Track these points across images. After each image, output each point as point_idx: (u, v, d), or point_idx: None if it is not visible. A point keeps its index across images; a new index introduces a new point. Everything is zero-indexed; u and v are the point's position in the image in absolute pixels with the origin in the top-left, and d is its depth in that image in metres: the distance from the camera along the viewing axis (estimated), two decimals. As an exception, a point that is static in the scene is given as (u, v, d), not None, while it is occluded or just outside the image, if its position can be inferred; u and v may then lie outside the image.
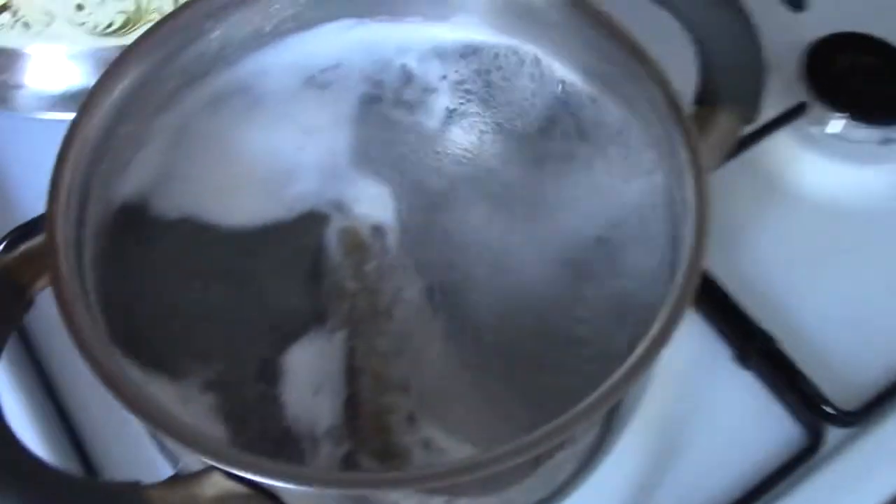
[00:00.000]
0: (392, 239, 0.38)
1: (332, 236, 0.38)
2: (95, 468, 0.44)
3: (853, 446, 0.46)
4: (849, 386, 0.48)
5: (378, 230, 0.38)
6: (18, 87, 0.50)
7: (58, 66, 0.50)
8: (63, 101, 0.51)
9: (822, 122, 0.55)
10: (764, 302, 0.50)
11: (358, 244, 0.38)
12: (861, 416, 0.47)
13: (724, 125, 0.37)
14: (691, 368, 0.49)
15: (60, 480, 0.29)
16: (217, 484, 0.30)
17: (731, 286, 0.50)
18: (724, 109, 0.37)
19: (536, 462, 0.31)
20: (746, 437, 0.47)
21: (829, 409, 0.47)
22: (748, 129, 0.52)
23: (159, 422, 0.29)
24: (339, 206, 0.39)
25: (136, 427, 0.43)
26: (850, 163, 0.55)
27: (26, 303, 0.33)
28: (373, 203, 0.39)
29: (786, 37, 0.58)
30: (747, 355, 0.48)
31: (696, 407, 0.48)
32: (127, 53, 0.36)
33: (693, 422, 0.47)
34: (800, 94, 0.56)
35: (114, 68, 0.36)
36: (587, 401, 0.29)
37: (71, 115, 0.50)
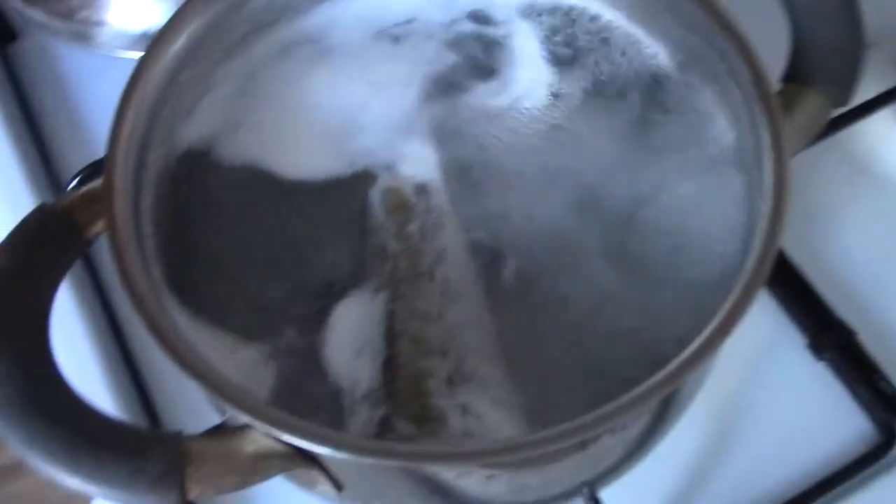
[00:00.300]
0: (437, 199, 0.37)
1: (376, 195, 0.38)
2: (157, 413, 0.45)
3: (927, 449, 0.44)
4: (927, 386, 0.45)
5: (423, 190, 0.37)
6: (100, 24, 0.51)
7: (139, 4, 0.50)
8: (143, 41, 0.51)
9: (925, 105, 0.52)
10: (845, 292, 0.48)
11: (401, 204, 0.37)
12: (938, 418, 0.44)
13: (812, 106, 0.34)
14: (761, 354, 0.47)
15: (103, 424, 0.29)
16: (257, 441, 0.30)
17: (811, 272, 0.48)
18: (813, 89, 0.34)
19: (582, 445, 0.30)
20: (813, 431, 0.45)
21: (904, 409, 0.44)
22: (843, 108, 0.49)
23: (200, 374, 0.29)
24: (389, 165, 0.38)
25: None
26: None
27: (84, 244, 0.33)
28: (421, 163, 0.38)
29: (888, 13, 0.54)
30: (822, 345, 0.46)
31: (763, 394, 0.46)
32: (190, 2, 0.35)
33: (758, 409, 0.46)
34: (904, 74, 0.53)
35: (181, 13, 0.35)
36: (639, 389, 0.28)
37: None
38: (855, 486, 0.44)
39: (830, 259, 0.49)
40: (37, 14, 0.51)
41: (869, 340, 0.46)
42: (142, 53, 0.50)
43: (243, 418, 0.28)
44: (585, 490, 0.37)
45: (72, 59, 0.57)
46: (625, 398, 0.27)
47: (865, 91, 0.51)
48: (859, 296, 0.48)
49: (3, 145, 0.53)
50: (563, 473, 0.33)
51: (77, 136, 0.55)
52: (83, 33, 0.51)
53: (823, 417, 0.46)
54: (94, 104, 0.56)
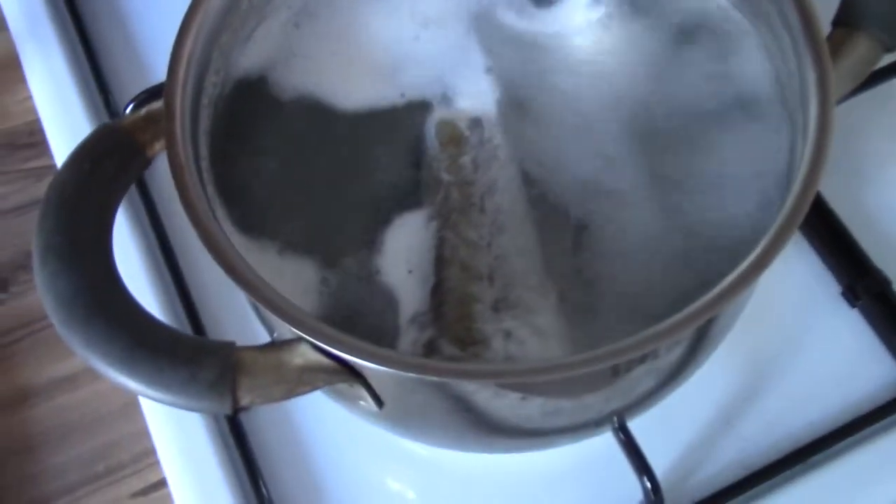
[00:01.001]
0: (490, 133, 0.37)
1: (430, 128, 0.39)
2: (205, 332, 0.47)
3: (955, 399, 0.45)
4: (960, 337, 0.46)
5: (476, 123, 0.38)
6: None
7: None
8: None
9: (978, 57, 0.51)
10: (882, 242, 0.48)
11: (455, 137, 0.38)
12: (968, 368, 0.45)
13: (862, 50, 0.35)
14: (796, 299, 0.48)
15: (161, 332, 0.31)
16: (305, 354, 0.31)
17: (849, 221, 0.48)
18: (863, 33, 0.35)
19: (615, 371, 0.31)
20: (844, 376, 0.46)
21: (936, 357, 0.45)
22: (891, 58, 0.49)
23: (254, 289, 0.30)
24: (443, 98, 0.39)
25: (242, 297, 0.46)
26: None
27: (144, 162, 0.34)
28: (475, 97, 0.39)
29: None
30: (857, 293, 0.47)
31: (795, 338, 0.47)
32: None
33: (790, 353, 0.47)
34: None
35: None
36: (675, 318, 0.29)
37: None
38: (882, 430, 0.45)
39: (869, 209, 0.49)
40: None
41: (904, 290, 0.46)
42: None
43: (294, 331, 0.30)
44: (616, 419, 0.39)
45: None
46: (661, 326, 0.28)
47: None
48: (896, 246, 0.48)
49: (63, 73, 0.55)
50: (595, 400, 0.34)
51: (133, 63, 0.56)
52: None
53: (854, 363, 0.46)
54: (149, 32, 0.57)
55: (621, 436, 0.40)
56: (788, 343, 0.47)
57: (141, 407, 0.46)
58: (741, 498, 0.43)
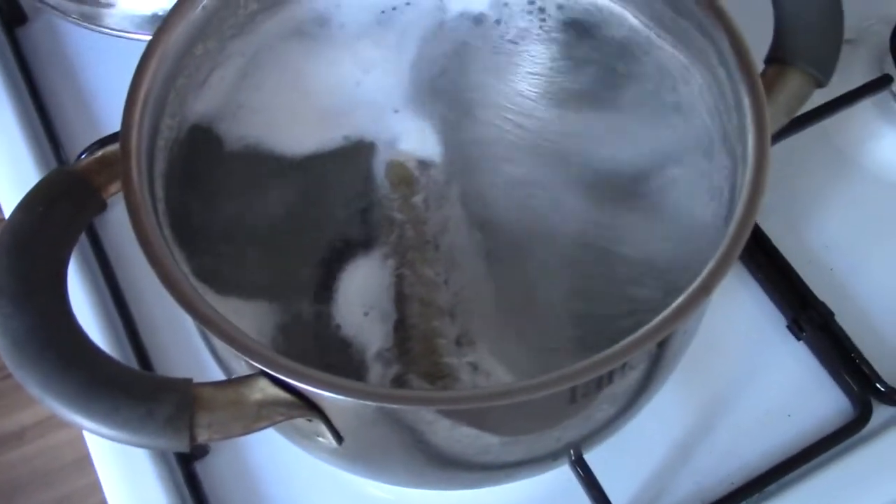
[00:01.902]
0: (438, 173, 0.38)
1: (380, 169, 0.39)
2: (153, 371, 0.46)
3: (901, 425, 0.46)
4: (901, 365, 0.47)
5: (425, 164, 0.39)
6: (110, 6, 0.52)
7: (147, -13, 0.52)
8: (151, 23, 0.53)
9: (906, 98, 0.54)
10: (824, 275, 0.50)
11: (406, 177, 0.39)
12: (912, 394, 0.46)
13: (794, 86, 0.36)
14: (743, 333, 0.49)
15: (117, 370, 0.31)
16: (264, 389, 0.31)
17: (792, 256, 0.50)
18: (795, 69, 0.36)
19: (572, 397, 0.31)
20: (793, 406, 0.47)
21: (879, 386, 0.46)
22: (829, 96, 0.51)
23: (213, 324, 0.30)
24: (389, 141, 0.39)
25: (192, 336, 0.45)
26: (930, 142, 0.54)
27: (99, 204, 0.34)
28: (420, 139, 0.40)
29: (874, 10, 0.57)
30: (802, 325, 0.48)
31: (745, 371, 0.48)
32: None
33: (740, 386, 0.48)
34: (886, 68, 0.55)
35: (196, -13, 0.37)
36: (628, 339, 0.30)
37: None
38: (832, 458, 0.46)
39: (811, 243, 0.51)
40: (47, -4, 0.53)
41: (846, 321, 0.48)
42: (149, 36, 0.52)
43: (252, 364, 0.30)
44: (572, 452, 0.39)
45: (79, 42, 0.59)
46: (612, 349, 0.29)
47: (847, 83, 0.53)
48: (837, 279, 0.50)
49: (12, 125, 0.55)
50: (552, 429, 0.35)
51: (83, 115, 0.56)
52: (93, 15, 0.53)
53: (802, 394, 0.48)
54: (100, 85, 0.57)
55: (579, 470, 0.41)
56: (739, 376, 0.48)
57: (92, 460, 0.46)
58: (699, 530, 0.44)
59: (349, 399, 0.29)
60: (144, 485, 0.45)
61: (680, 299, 0.30)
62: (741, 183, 0.33)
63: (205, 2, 0.37)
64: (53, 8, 0.53)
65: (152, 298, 0.48)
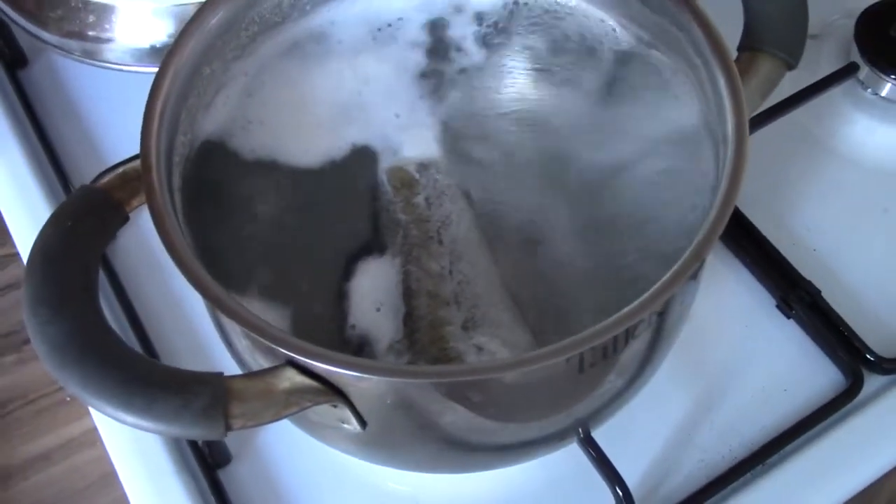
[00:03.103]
0: (437, 173, 0.41)
1: (383, 175, 0.42)
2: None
3: (891, 392, 0.48)
4: (887, 336, 0.50)
5: (424, 166, 0.41)
6: (109, 41, 0.54)
7: (143, 21, 0.53)
8: (149, 56, 0.55)
9: (872, 85, 0.57)
10: (808, 255, 0.52)
11: (407, 180, 0.41)
12: (899, 362, 0.48)
13: (766, 70, 0.39)
14: (736, 315, 0.51)
15: (152, 367, 0.33)
16: (291, 378, 0.33)
17: (777, 239, 0.52)
18: (766, 55, 0.39)
19: (580, 367, 0.33)
20: (788, 381, 0.49)
21: (868, 356, 0.48)
22: (800, 86, 0.54)
23: (243, 319, 0.32)
24: (391, 147, 0.42)
25: (198, 338, 0.48)
26: (897, 124, 0.57)
27: (122, 218, 0.36)
28: (420, 143, 0.42)
29: (840, 4, 0.60)
30: (790, 304, 0.50)
31: (740, 351, 0.50)
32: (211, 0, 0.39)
33: (736, 365, 0.50)
34: (853, 57, 0.57)
35: (202, 11, 0.39)
36: (627, 309, 0.32)
37: (155, 69, 0.55)
38: (829, 427, 0.48)
39: (793, 226, 0.54)
40: (50, 35, 0.55)
41: (832, 297, 0.50)
42: (150, 68, 0.54)
43: (281, 352, 0.32)
44: (581, 430, 0.41)
45: (78, 78, 0.61)
46: (617, 316, 0.31)
47: (816, 74, 0.56)
48: (821, 258, 0.52)
49: (20, 164, 0.57)
50: (562, 404, 0.37)
51: (87, 148, 0.58)
52: (94, 51, 0.55)
53: (795, 369, 0.50)
54: (101, 118, 0.60)
55: (590, 449, 0.43)
56: (734, 356, 0.50)
57: (118, 476, 0.47)
58: (709, 501, 0.45)
59: (373, 378, 0.31)
60: (170, 495, 0.46)
61: (675, 267, 0.32)
62: (724, 160, 0.35)
63: (209, 25, 0.39)
64: (56, 47, 0.55)
65: (159, 307, 0.50)
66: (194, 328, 0.50)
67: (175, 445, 0.47)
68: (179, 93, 0.38)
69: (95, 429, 0.48)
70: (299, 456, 0.47)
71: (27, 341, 0.53)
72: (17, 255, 0.55)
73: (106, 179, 0.37)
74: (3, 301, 0.55)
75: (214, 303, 0.32)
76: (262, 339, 0.32)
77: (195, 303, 0.50)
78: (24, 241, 0.55)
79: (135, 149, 0.44)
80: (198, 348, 0.49)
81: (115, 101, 0.60)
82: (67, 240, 0.34)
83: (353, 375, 0.31)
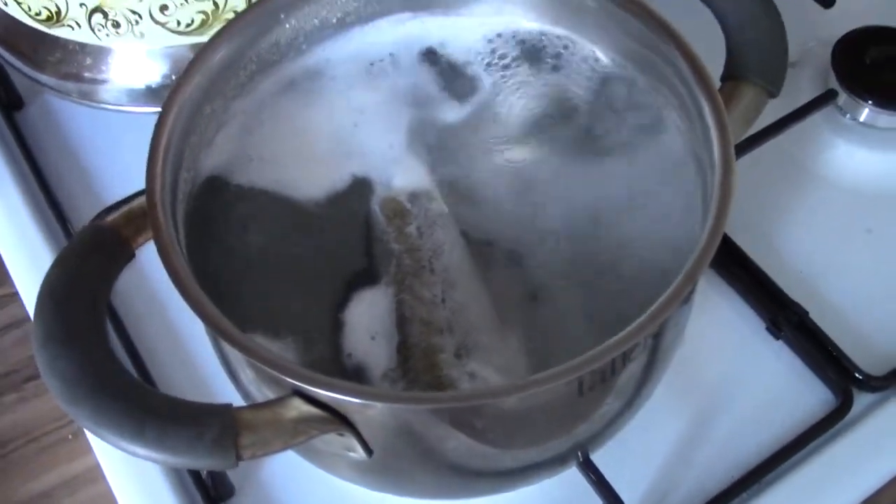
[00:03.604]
0: (429, 203, 0.42)
1: (376, 206, 0.43)
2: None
3: (880, 409, 0.49)
4: (874, 354, 0.51)
5: (416, 196, 0.42)
6: (104, 82, 0.55)
7: (138, 63, 0.55)
8: (144, 96, 0.56)
9: (851, 110, 0.59)
10: (795, 277, 0.54)
11: (399, 210, 0.42)
12: (887, 380, 0.50)
13: (749, 98, 0.40)
14: (727, 339, 0.52)
15: (162, 400, 0.33)
16: (298, 407, 0.34)
17: (764, 263, 0.53)
18: (749, 83, 0.40)
19: (580, 390, 0.34)
20: (779, 401, 0.50)
21: (857, 375, 0.50)
22: (783, 112, 0.56)
23: (252, 350, 0.33)
24: (383, 179, 0.43)
25: (193, 368, 0.48)
26: (876, 149, 0.59)
27: (129, 254, 0.37)
28: (410, 175, 0.43)
29: (817, 32, 0.62)
30: (779, 326, 0.51)
31: (732, 373, 0.51)
32: (214, 39, 0.41)
33: (729, 387, 0.51)
34: (830, 83, 0.59)
35: (204, 51, 0.40)
36: (624, 332, 0.33)
37: (151, 109, 0.56)
38: (822, 445, 0.48)
39: (780, 249, 0.55)
40: (47, 77, 0.56)
41: (820, 317, 0.51)
42: (145, 108, 0.55)
43: (290, 382, 0.33)
44: (580, 454, 0.42)
45: (74, 119, 0.62)
46: (614, 339, 0.32)
47: (796, 101, 0.58)
48: (808, 279, 0.54)
49: (17, 202, 0.58)
50: (562, 428, 0.37)
51: (85, 188, 0.59)
52: (89, 92, 0.56)
53: (787, 389, 0.51)
54: (97, 158, 0.60)
55: (589, 473, 0.43)
56: (727, 378, 0.51)
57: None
58: (706, 522, 0.46)
59: (378, 405, 0.32)
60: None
61: (669, 290, 0.33)
62: (711, 185, 0.37)
63: (209, 65, 0.41)
64: (53, 89, 0.56)
65: (158, 342, 0.51)
66: (194, 362, 0.51)
67: (178, 480, 0.48)
68: (182, 131, 0.39)
69: (98, 466, 0.48)
70: (301, 488, 0.47)
71: (28, 379, 0.54)
72: (15, 294, 0.55)
73: (112, 217, 0.37)
74: (3, 340, 0.55)
75: (224, 336, 0.33)
76: (270, 370, 0.33)
77: (194, 337, 0.51)
78: (24, 280, 0.55)
79: (131, 188, 0.45)
80: (199, 382, 0.50)
81: (110, 141, 0.61)
82: (76, 277, 0.35)
83: (359, 403, 0.32)
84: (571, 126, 0.44)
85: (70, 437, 0.52)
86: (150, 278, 0.49)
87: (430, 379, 0.37)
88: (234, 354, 0.38)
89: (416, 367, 0.37)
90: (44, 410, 0.53)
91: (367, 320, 0.39)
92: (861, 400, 0.50)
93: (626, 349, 0.32)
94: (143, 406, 0.33)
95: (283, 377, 0.33)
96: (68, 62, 0.55)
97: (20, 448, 0.52)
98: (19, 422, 0.52)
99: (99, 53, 0.54)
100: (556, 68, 0.45)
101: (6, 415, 0.52)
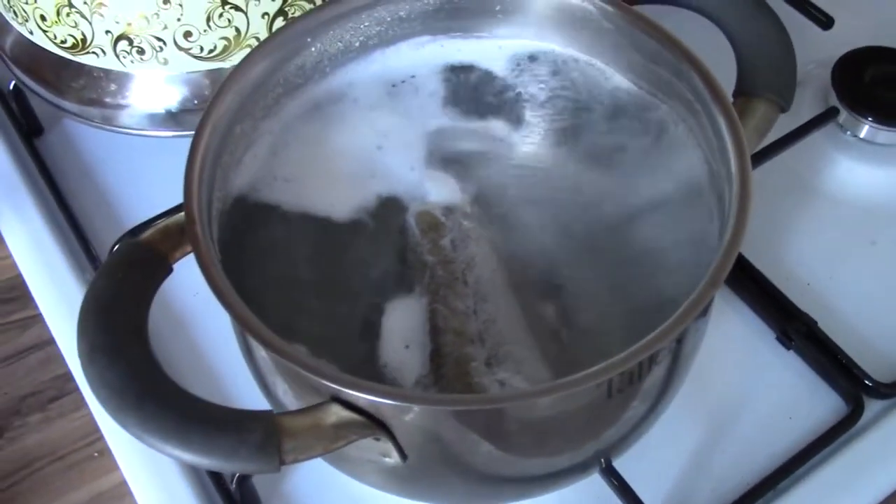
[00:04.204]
0: (462, 217, 0.43)
1: (410, 219, 0.44)
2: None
3: (891, 415, 0.51)
4: (884, 362, 0.52)
5: (449, 210, 0.44)
6: (125, 107, 0.57)
7: (158, 88, 0.56)
8: (163, 121, 0.57)
9: (851, 127, 0.61)
10: (803, 289, 0.55)
11: (433, 224, 0.43)
12: (897, 387, 0.51)
13: (761, 112, 0.42)
14: (738, 350, 0.54)
15: (206, 407, 0.34)
16: (337, 413, 0.35)
17: (772, 275, 0.55)
18: (761, 99, 0.42)
19: (609, 392, 0.35)
20: (792, 409, 0.51)
21: (867, 382, 0.51)
22: (786, 130, 0.58)
23: (294, 358, 0.34)
24: (414, 194, 0.44)
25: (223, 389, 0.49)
26: (877, 164, 0.60)
27: (167, 269, 0.38)
28: (442, 189, 0.45)
29: (817, 52, 0.64)
30: (789, 336, 0.53)
31: (745, 383, 0.52)
32: (245, 61, 0.42)
33: (742, 397, 0.52)
34: (831, 102, 0.61)
35: (234, 73, 0.42)
36: (652, 335, 0.34)
37: (170, 133, 0.57)
38: (834, 452, 0.50)
39: (787, 263, 0.56)
40: (69, 104, 0.57)
41: (828, 327, 0.53)
42: (164, 132, 0.57)
43: (331, 387, 0.34)
44: (603, 459, 0.43)
45: (93, 144, 0.63)
46: (643, 341, 0.34)
47: (797, 119, 0.60)
48: (815, 291, 0.55)
49: (39, 226, 0.59)
50: (587, 435, 0.39)
51: (105, 210, 0.60)
52: (111, 117, 0.57)
53: (799, 398, 0.52)
54: (117, 181, 0.62)
55: (612, 479, 0.45)
56: (740, 388, 0.52)
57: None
58: (724, 528, 0.47)
59: (416, 407, 0.33)
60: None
61: (692, 295, 0.35)
62: (729, 196, 0.38)
63: (242, 86, 0.42)
64: (76, 115, 0.58)
65: (180, 358, 0.52)
66: (215, 375, 0.52)
67: (205, 495, 0.49)
68: (216, 150, 0.41)
69: (125, 482, 0.49)
70: (326, 499, 0.48)
71: (52, 399, 0.55)
72: (38, 316, 0.56)
73: (148, 233, 0.39)
74: (27, 362, 0.56)
75: (267, 346, 0.34)
76: (312, 377, 0.34)
77: (215, 351, 0.52)
78: (46, 302, 0.56)
79: (151, 210, 0.47)
80: (221, 398, 0.50)
81: (129, 165, 0.62)
82: (119, 291, 0.36)
83: (398, 406, 0.33)
84: (589, 141, 0.46)
85: (96, 454, 0.52)
86: (167, 295, 0.50)
87: (461, 387, 0.38)
88: (268, 364, 0.39)
89: (448, 375, 0.39)
90: (69, 429, 0.54)
91: (401, 329, 0.40)
92: (872, 407, 0.51)
93: (651, 353, 0.33)
94: (189, 413, 0.34)
95: (326, 383, 0.34)
96: (91, 88, 0.56)
97: (46, 466, 0.53)
98: (45, 441, 0.53)
99: (121, 79, 0.56)
100: (573, 87, 0.47)
101: (32, 434, 0.53)
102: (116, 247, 0.39)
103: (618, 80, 0.46)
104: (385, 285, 0.41)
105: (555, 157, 0.46)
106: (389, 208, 0.44)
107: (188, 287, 0.54)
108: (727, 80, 0.44)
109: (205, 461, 0.33)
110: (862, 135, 0.61)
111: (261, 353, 0.39)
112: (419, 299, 0.41)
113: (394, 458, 0.37)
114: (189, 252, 0.38)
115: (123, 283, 0.37)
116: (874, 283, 0.56)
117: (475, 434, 0.36)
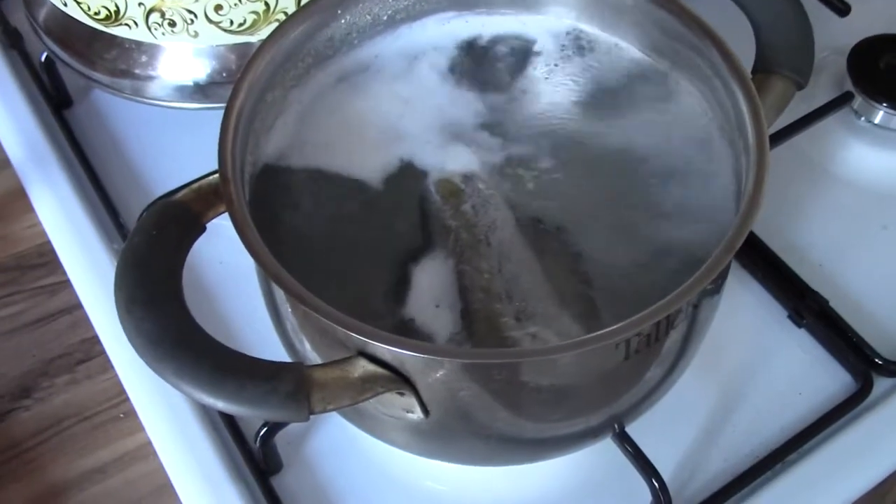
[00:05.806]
0: (481, 183, 0.44)
1: (430, 186, 0.45)
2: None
3: (899, 392, 0.52)
4: (893, 341, 0.53)
5: (469, 177, 0.45)
6: (154, 78, 0.58)
7: (186, 60, 0.57)
8: (192, 93, 0.58)
9: (865, 113, 0.62)
10: (815, 268, 0.56)
11: (454, 191, 0.44)
12: (906, 365, 0.52)
13: (779, 89, 0.43)
14: (750, 327, 0.55)
15: (239, 357, 0.35)
16: (364, 367, 0.36)
17: (785, 255, 0.56)
18: (778, 76, 0.43)
19: (627, 353, 0.37)
20: (802, 385, 0.53)
21: (877, 360, 0.52)
22: (801, 113, 0.59)
23: (326, 311, 0.35)
24: (436, 162, 0.45)
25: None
26: (890, 149, 0.61)
27: (200, 228, 0.40)
28: (462, 156, 0.46)
29: (833, 39, 0.65)
30: (801, 314, 0.54)
31: (756, 360, 0.54)
32: (277, 31, 0.43)
33: (754, 373, 0.53)
34: (846, 88, 0.62)
35: (266, 44, 0.43)
36: (670, 296, 0.35)
37: (198, 105, 0.59)
38: (842, 427, 0.51)
39: (800, 243, 0.58)
40: (100, 75, 0.59)
41: (839, 307, 0.54)
42: (192, 104, 0.58)
43: (360, 339, 0.35)
44: (616, 424, 0.44)
45: (122, 115, 0.64)
46: (661, 302, 0.35)
47: (813, 104, 0.61)
48: (827, 272, 0.56)
49: (69, 195, 0.60)
50: (604, 395, 0.40)
51: (132, 180, 0.62)
52: (140, 88, 0.58)
53: (809, 374, 0.53)
54: (145, 152, 0.63)
55: (625, 445, 0.46)
56: (751, 364, 0.54)
57: (172, 488, 0.50)
58: (734, 497, 0.48)
59: (444, 360, 0.34)
60: (225, 503, 0.49)
61: (709, 260, 0.36)
62: (747, 166, 0.39)
63: (270, 57, 0.43)
64: (107, 86, 0.59)
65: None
66: (239, 343, 0.53)
67: (228, 455, 0.50)
68: (248, 116, 0.42)
69: (150, 443, 0.51)
70: (346, 462, 0.50)
71: (80, 362, 0.56)
72: (67, 282, 0.58)
73: (182, 193, 0.40)
74: (56, 325, 0.58)
75: (299, 299, 0.35)
76: (343, 330, 0.35)
77: (240, 319, 0.54)
78: (75, 269, 0.58)
79: (178, 179, 0.48)
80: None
81: (156, 136, 0.63)
82: (154, 247, 0.38)
83: (424, 359, 0.34)
84: (609, 112, 0.47)
85: (122, 415, 0.54)
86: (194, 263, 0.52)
87: (493, 342, 0.39)
88: (295, 322, 0.40)
89: (480, 331, 0.40)
90: (96, 391, 0.55)
91: (430, 290, 0.41)
92: (880, 384, 0.52)
93: (670, 312, 0.35)
94: (223, 363, 0.35)
95: (355, 335, 0.35)
96: (122, 59, 0.58)
97: (73, 426, 0.54)
98: (72, 402, 0.54)
99: (152, 51, 0.57)
100: (593, 62, 0.48)
101: (59, 395, 0.54)
102: (151, 206, 0.40)
103: (637, 55, 0.47)
104: (411, 249, 0.43)
105: (572, 126, 0.47)
106: (411, 177, 0.45)
107: (213, 255, 0.56)
108: (745, 58, 0.45)
109: (237, 408, 0.35)
110: (876, 120, 0.61)
111: (287, 309, 0.40)
112: (445, 261, 0.42)
113: (416, 414, 0.38)
114: (222, 212, 0.40)
115: (158, 239, 0.38)
116: (885, 266, 0.57)
117: (495, 390, 0.37)
